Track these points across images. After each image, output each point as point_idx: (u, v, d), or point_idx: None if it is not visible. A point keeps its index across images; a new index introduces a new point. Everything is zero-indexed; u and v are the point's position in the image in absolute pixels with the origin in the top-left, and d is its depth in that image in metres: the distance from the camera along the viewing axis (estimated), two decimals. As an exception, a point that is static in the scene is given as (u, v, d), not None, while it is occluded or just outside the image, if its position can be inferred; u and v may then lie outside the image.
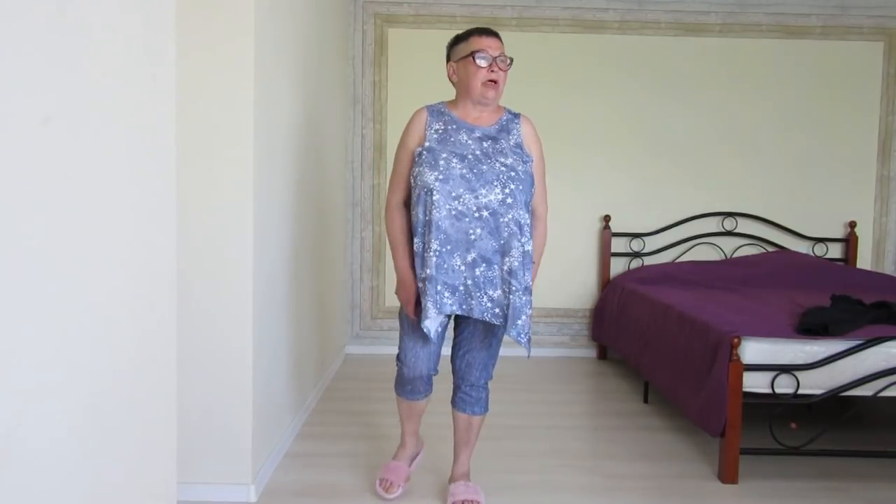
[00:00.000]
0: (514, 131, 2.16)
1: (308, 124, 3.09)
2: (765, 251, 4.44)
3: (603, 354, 4.49)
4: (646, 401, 3.48)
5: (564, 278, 4.53)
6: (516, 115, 2.20)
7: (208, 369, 2.26)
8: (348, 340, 4.51)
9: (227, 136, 2.21)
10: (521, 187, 2.06)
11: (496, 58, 2.10)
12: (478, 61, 2.09)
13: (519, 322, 2.04)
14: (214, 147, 2.21)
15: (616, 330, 3.98)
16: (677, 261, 4.44)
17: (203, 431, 2.27)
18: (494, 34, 2.15)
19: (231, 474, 2.28)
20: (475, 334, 2.23)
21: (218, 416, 2.27)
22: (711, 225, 4.52)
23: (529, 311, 2.06)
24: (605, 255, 4.45)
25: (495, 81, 2.10)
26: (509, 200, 2.03)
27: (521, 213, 2.05)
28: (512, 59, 2.17)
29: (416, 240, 2.09)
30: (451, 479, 2.34)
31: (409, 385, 2.30)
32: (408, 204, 2.19)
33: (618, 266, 4.50)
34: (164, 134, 1.39)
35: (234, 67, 2.19)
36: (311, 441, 2.87)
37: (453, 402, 2.33)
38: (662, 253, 4.48)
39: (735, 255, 4.47)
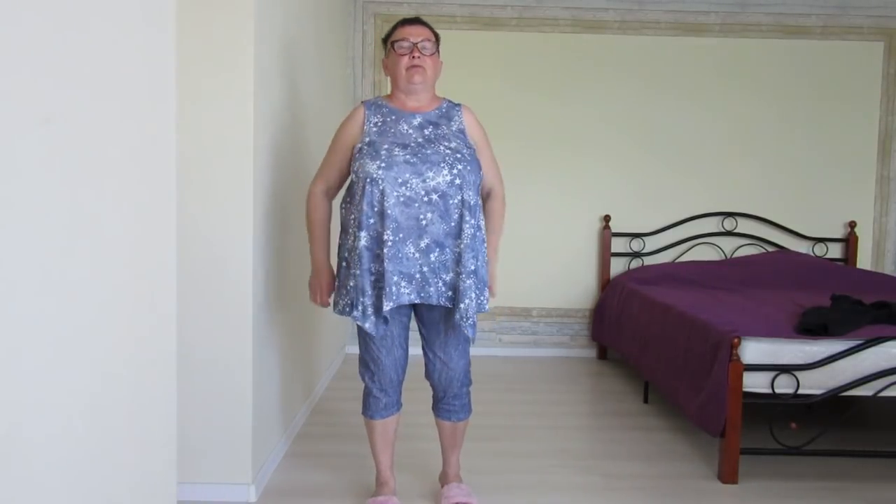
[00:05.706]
0: (456, 118, 2.15)
1: (308, 125, 3.09)
2: (765, 251, 4.43)
3: (603, 354, 4.49)
4: (646, 401, 3.48)
5: (564, 278, 4.53)
6: (457, 105, 2.20)
7: (208, 369, 2.26)
8: (348, 340, 4.50)
9: (227, 136, 2.21)
10: (468, 167, 2.04)
11: (416, 44, 2.08)
12: (397, 49, 2.10)
13: (461, 305, 2.00)
14: (214, 147, 2.21)
15: (616, 330, 3.98)
16: (677, 261, 4.44)
17: (203, 431, 2.27)
18: (418, 22, 2.14)
19: (231, 474, 2.29)
20: (447, 340, 2.14)
21: (218, 416, 2.27)
22: (711, 225, 4.52)
23: (476, 296, 2.03)
24: (605, 255, 4.45)
25: (418, 66, 2.09)
26: (458, 181, 2.00)
27: (470, 193, 2.03)
28: (438, 42, 2.14)
29: (361, 233, 2.01)
30: (444, 481, 2.33)
31: (382, 396, 2.19)
32: (331, 196, 2.28)
33: (618, 266, 4.50)
34: (164, 134, 1.39)
35: (234, 68, 2.19)
36: (311, 441, 2.87)
37: (436, 412, 2.28)
38: (662, 253, 4.48)
39: (735, 255, 4.46)
